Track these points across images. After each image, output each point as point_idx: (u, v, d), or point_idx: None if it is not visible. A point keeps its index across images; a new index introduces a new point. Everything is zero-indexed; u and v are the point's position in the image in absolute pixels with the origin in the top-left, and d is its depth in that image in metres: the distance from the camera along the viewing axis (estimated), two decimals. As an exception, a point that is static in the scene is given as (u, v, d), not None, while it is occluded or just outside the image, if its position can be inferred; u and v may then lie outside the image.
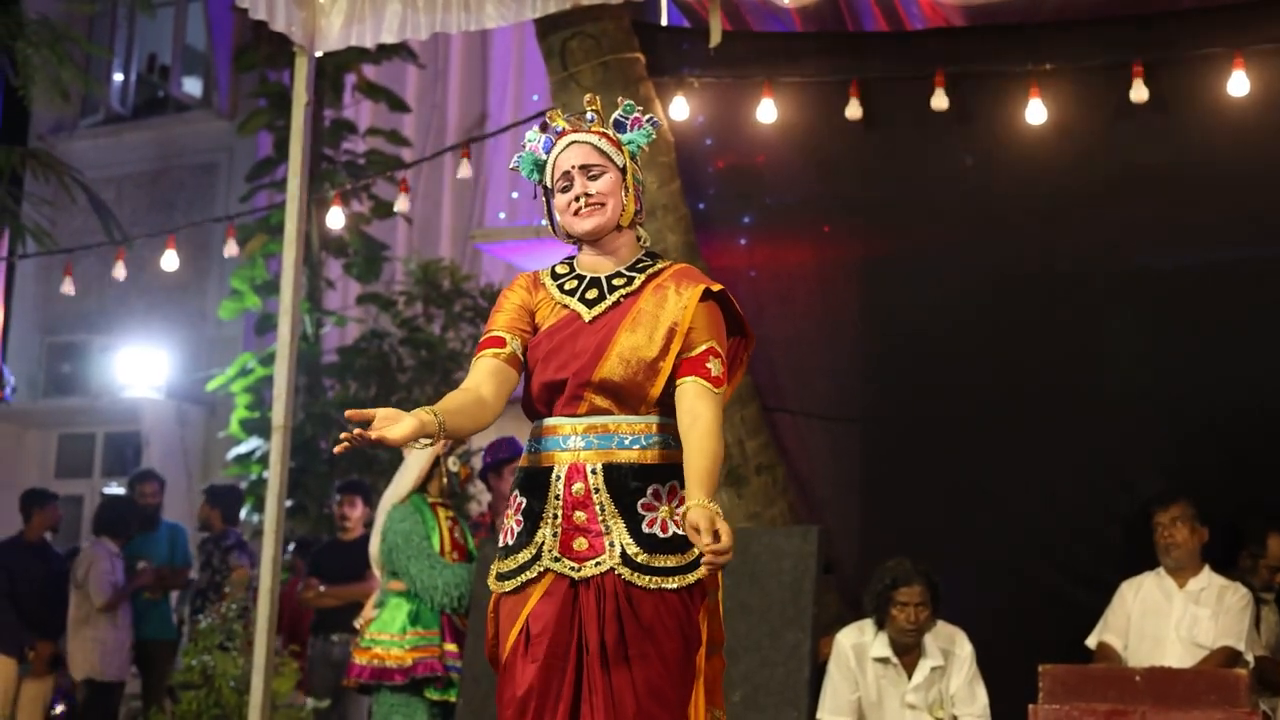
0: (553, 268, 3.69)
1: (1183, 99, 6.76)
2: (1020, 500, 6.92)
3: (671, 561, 3.42)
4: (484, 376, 3.52)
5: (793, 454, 7.20)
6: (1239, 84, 6.54)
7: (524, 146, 3.72)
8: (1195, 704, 5.54)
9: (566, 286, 3.61)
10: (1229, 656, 5.91)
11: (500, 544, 3.57)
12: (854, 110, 6.99)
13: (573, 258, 3.69)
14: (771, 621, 5.82)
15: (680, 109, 7.20)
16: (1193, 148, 6.83)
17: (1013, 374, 6.97)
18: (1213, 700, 5.54)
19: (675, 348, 3.48)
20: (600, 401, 3.47)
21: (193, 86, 15.16)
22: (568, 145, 3.61)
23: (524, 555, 3.46)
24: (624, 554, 3.42)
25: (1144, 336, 6.88)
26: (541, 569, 3.45)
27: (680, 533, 3.40)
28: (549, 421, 3.51)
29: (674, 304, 3.52)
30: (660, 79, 7.20)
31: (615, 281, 3.58)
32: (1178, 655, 6.01)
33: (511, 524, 3.55)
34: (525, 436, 3.67)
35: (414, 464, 6.15)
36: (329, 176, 10.93)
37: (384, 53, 10.76)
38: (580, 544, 3.44)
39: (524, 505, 3.51)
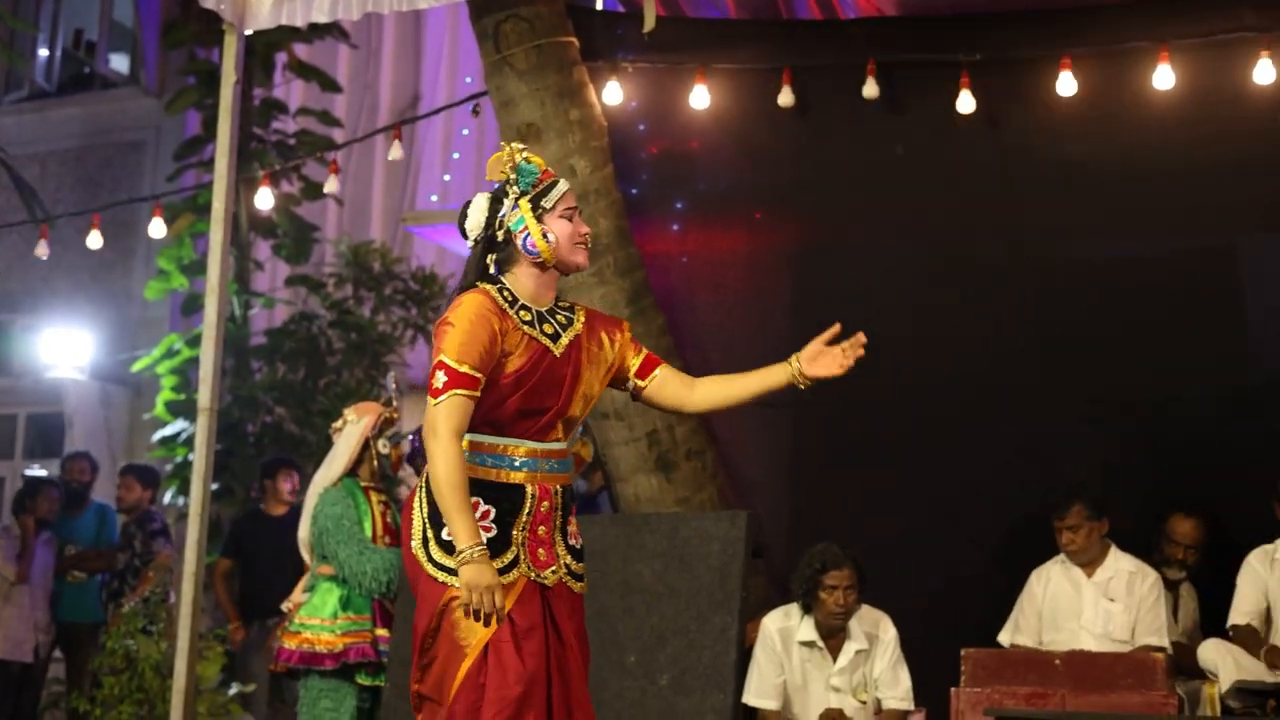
0: (501, 293, 3.81)
1: (1110, 92, 6.85)
2: (947, 486, 6.99)
3: (582, 569, 3.92)
4: (464, 420, 3.69)
5: (723, 439, 7.24)
6: (1164, 77, 6.63)
7: (529, 163, 3.85)
8: (1113, 688, 5.64)
9: (524, 318, 3.81)
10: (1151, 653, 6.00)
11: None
12: (786, 98, 7.03)
13: (504, 286, 3.82)
14: (699, 605, 5.84)
15: (614, 94, 7.20)
16: (1120, 140, 6.92)
17: (942, 362, 7.04)
18: (1130, 684, 5.64)
19: (606, 383, 3.96)
20: (561, 430, 3.84)
21: (120, 63, 14.96)
22: (567, 185, 3.89)
23: (506, 558, 3.73)
24: (566, 564, 3.86)
25: (1070, 326, 6.97)
26: (517, 574, 3.74)
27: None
28: (520, 443, 3.78)
29: (609, 348, 3.93)
30: (594, 63, 7.20)
31: (558, 318, 3.87)
32: (1092, 649, 6.10)
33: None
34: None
35: (345, 447, 6.13)
36: (258, 156, 10.83)
37: (315, 32, 10.67)
38: (541, 554, 3.80)
39: (493, 514, 3.74)
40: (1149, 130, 6.85)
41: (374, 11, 6.52)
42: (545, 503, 3.79)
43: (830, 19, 7.54)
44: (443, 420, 3.65)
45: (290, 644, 5.96)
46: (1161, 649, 6.06)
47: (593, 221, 6.90)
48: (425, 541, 3.74)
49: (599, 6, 7.92)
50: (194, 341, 10.71)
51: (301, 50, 11.69)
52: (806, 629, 6.06)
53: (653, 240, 7.37)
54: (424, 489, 3.80)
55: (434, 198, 12.63)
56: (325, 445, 10.16)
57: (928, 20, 7.34)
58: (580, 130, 6.94)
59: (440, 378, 3.67)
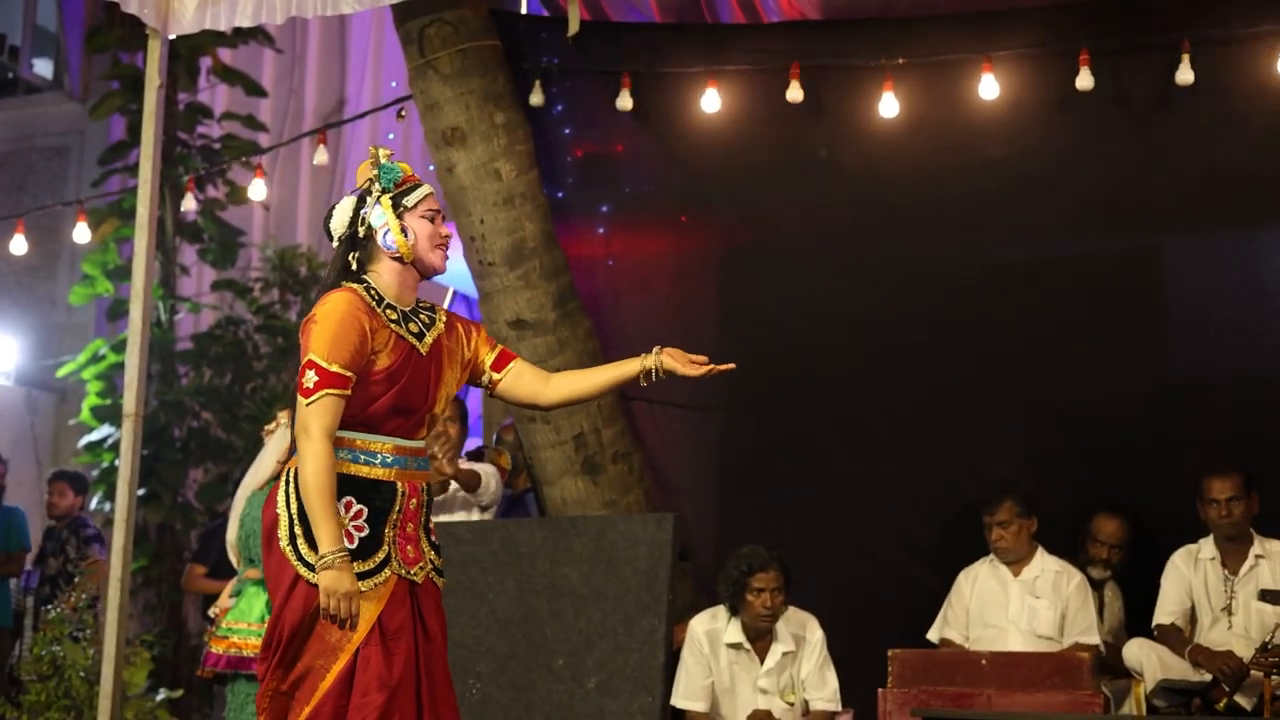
0: (368, 291, 3.86)
1: (1032, 94, 6.90)
2: (874, 488, 7.02)
3: (442, 564, 3.99)
4: (336, 420, 3.73)
5: (649, 442, 7.24)
6: (1085, 80, 6.69)
7: (386, 158, 3.95)
8: (1040, 687, 5.67)
9: (391, 316, 3.87)
10: (1084, 651, 6.04)
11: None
12: (711, 101, 7.04)
13: (370, 285, 3.87)
14: (626, 608, 5.84)
15: (539, 97, 7.19)
16: (1042, 142, 6.98)
17: (868, 363, 7.07)
18: (1056, 683, 5.68)
19: (464, 380, 4.06)
20: (424, 429, 3.91)
21: (43, 68, 14.79)
22: (431, 189, 3.96)
23: (378, 557, 3.77)
24: (431, 560, 3.92)
25: (996, 327, 7.01)
26: (389, 572, 3.79)
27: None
28: (388, 440, 3.82)
29: (465, 345, 4.03)
30: (519, 67, 7.19)
31: (422, 317, 3.94)
32: (1019, 646, 6.16)
33: (349, 528, 3.76)
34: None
35: (273, 450, 6.09)
36: (183, 161, 10.76)
37: (240, 36, 10.61)
38: (410, 551, 3.85)
39: (365, 513, 3.77)
40: (1070, 132, 6.91)
41: (298, 15, 6.48)
42: (414, 500, 3.85)
43: (754, 22, 7.56)
44: (315, 420, 3.68)
45: (218, 649, 5.91)
46: (1094, 646, 6.12)
47: (518, 225, 6.90)
48: (293, 539, 3.75)
49: (524, 10, 7.89)
50: (119, 346, 10.60)
51: (226, 55, 11.61)
52: (734, 631, 6.07)
53: (578, 243, 7.36)
54: (289, 485, 3.80)
55: (361, 202, 12.55)
56: (253, 450, 10.14)
57: (851, 24, 7.37)
58: (505, 134, 6.91)
59: (311, 377, 3.70)
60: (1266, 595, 6.08)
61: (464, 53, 6.90)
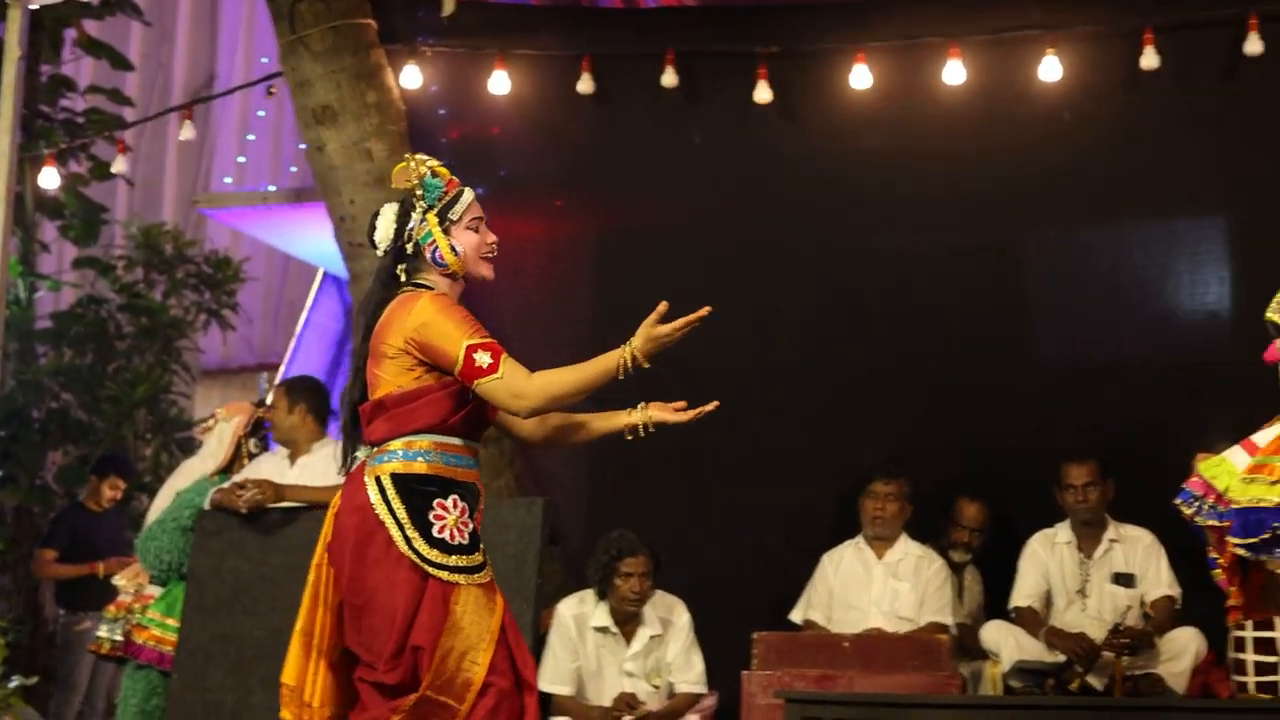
0: None
1: (903, 86, 6.99)
2: (743, 473, 7.07)
3: None
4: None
5: (520, 426, 7.21)
6: (955, 72, 6.79)
7: (435, 175, 3.87)
8: (900, 668, 5.77)
9: None
10: (937, 630, 6.17)
11: (452, 540, 3.70)
12: (586, 85, 7.05)
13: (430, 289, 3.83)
14: (495, 592, 5.82)
15: (412, 77, 7.14)
16: (912, 134, 7.07)
17: (741, 349, 7.11)
18: (916, 665, 5.79)
19: None
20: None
21: (-102, 36, 14.40)
22: (473, 193, 3.91)
23: (479, 556, 3.74)
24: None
25: (863, 313, 7.10)
26: (489, 570, 3.77)
27: None
28: (471, 444, 3.82)
29: None
30: (392, 46, 7.13)
31: None
32: (880, 626, 6.26)
33: (457, 525, 3.72)
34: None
35: (218, 445, 6.09)
36: (45, 135, 10.49)
37: (106, 8, 10.38)
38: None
39: (468, 511, 3.76)
40: (940, 124, 7.01)
41: (166, -13, 6.38)
42: (482, 500, 3.86)
43: (630, 7, 7.57)
44: (519, 381, 3.68)
45: (140, 638, 5.94)
46: (945, 626, 6.24)
47: (390, 206, 6.84)
48: (409, 541, 3.67)
49: (399, -12, 7.82)
50: (-24, 325, 10.35)
51: (92, 26, 11.35)
52: (601, 615, 6.09)
53: (451, 226, 7.31)
54: (383, 489, 3.71)
55: (228, 180, 12.41)
56: (114, 432, 10.00)
57: (727, 11, 7.41)
58: (377, 113, 6.86)
59: (483, 358, 3.67)
60: (1119, 579, 6.26)
61: (336, 30, 6.83)
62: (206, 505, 6.05)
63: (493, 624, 3.67)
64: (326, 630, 3.81)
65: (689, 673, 6.14)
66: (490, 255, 3.93)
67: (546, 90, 7.27)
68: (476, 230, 3.90)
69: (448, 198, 3.88)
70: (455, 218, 3.87)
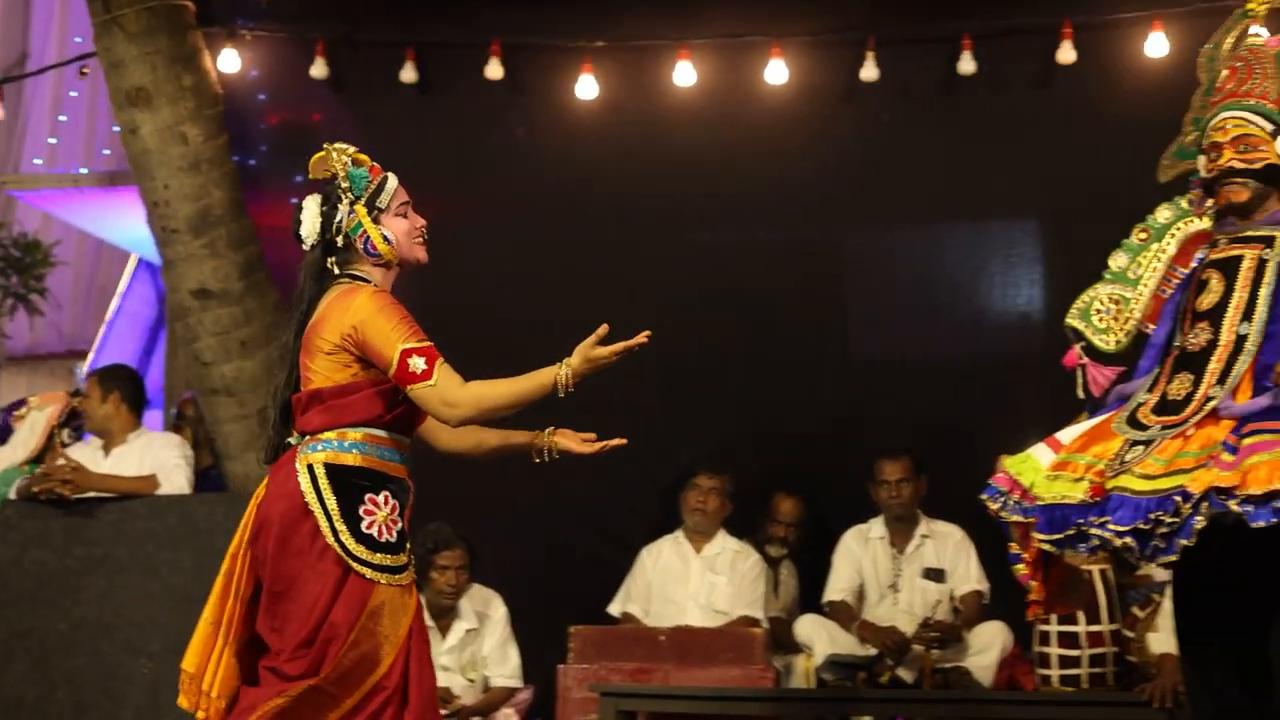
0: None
1: (726, 83, 7.05)
2: (561, 466, 7.02)
3: None
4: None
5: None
6: (776, 72, 6.87)
7: (356, 164, 3.85)
8: (715, 662, 5.83)
9: None
10: (748, 624, 6.24)
11: (379, 537, 3.64)
12: (409, 74, 6.99)
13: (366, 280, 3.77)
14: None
15: (230, 61, 7.02)
16: (734, 131, 7.14)
17: (561, 341, 7.06)
18: (731, 658, 5.84)
19: None
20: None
21: None
22: (396, 179, 3.88)
23: (404, 557, 3.69)
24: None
25: (685, 310, 7.13)
26: (411, 572, 3.73)
27: None
28: (403, 439, 3.77)
29: None
30: (210, 29, 6.97)
31: None
32: (697, 620, 6.33)
33: (386, 522, 3.67)
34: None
35: (29, 434, 5.92)
36: None
37: (-89, -19, 10.04)
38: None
39: (399, 509, 3.72)
40: (762, 122, 7.08)
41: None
42: (411, 496, 3.81)
43: (456, -4, 7.52)
44: (452, 389, 3.63)
45: None
46: (757, 620, 6.32)
47: (205, 192, 6.70)
48: (336, 534, 3.60)
49: (217, -30, 7.65)
50: None
51: (-103, 0, 10.98)
52: (417, 608, 6.04)
53: (269, 213, 7.18)
54: (315, 478, 3.64)
55: (39, 161, 12.03)
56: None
57: (553, 3, 7.39)
58: (193, 97, 6.69)
59: (418, 363, 3.60)
60: (930, 573, 6.39)
61: (151, 10, 6.64)
62: (12, 494, 5.88)
63: (401, 629, 3.63)
64: (235, 621, 3.72)
65: (505, 666, 6.13)
66: (421, 239, 3.89)
67: (370, 78, 7.21)
68: (405, 215, 3.85)
69: (373, 186, 3.84)
70: (383, 205, 3.82)
